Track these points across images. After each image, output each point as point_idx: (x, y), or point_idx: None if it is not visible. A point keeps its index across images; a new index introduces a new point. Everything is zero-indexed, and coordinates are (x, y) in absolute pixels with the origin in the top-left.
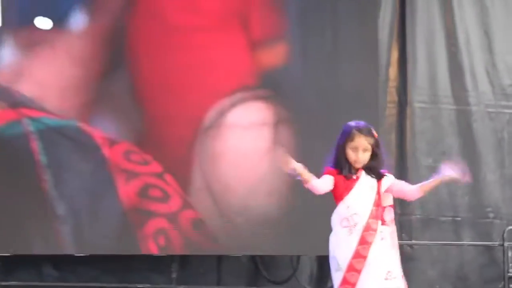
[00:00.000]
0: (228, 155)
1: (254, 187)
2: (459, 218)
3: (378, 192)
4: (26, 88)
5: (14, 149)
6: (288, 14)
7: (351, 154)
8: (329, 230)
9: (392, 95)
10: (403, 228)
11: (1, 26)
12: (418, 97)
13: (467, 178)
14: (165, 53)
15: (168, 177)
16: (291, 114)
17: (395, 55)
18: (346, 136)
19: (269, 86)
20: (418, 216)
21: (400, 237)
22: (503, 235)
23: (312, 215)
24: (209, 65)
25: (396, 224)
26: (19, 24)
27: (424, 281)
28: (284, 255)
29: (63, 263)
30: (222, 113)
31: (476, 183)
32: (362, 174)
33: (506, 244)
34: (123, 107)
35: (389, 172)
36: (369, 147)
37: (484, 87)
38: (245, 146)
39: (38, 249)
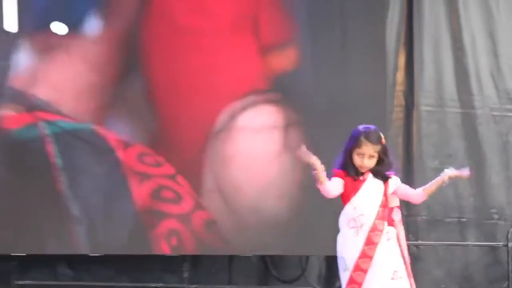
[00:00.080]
0: (239, 157)
1: (264, 189)
2: (464, 219)
3: (385, 194)
4: (42, 92)
5: (30, 151)
6: (298, 19)
7: (357, 159)
8: (337, 230)
9: (399, 98)
10: (410, 228)
11: (17, 31)
12: (424, 101)
13: (467, 174)
14: (177, 56)
15: (180, 179)
16: (301, 117)
17: (402, 59)
18: (354, 142)
19: (280, 90)
20: (424, 217)
21: (406, 238)
22: (507, 236)
23: (320, 216)
24: (221, 69)
25: (403, 224)
26: (35, 29)
27: (430, 281)
28: (293, 255)
29: (78, 263)
30: (233, 116)
31: (481, 185)
32: (369, 176)
33: (510, 244)
34: (137, 110)
35: (395, 175)
36: (375, 154)
37: (489, 91)
38: (256, 149)
39: (53, 249)
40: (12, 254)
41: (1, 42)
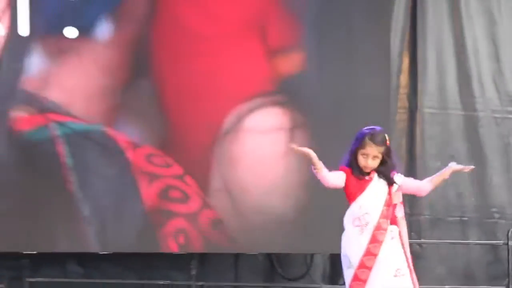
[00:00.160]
0: (246, 158)
1: (270, 189)
2: (466, 218)
3: (389, 193)
4: (54, 94)
5: (41, 152)
6: (304, 23)
7: (361, 160)
8: (341, 229)
9: (403, 101)
10: (413, 227)
11: (29, 35)
12: (427, 103)
13: (470, 169)
14: (186, 60)
15: (188, 179)
16: (306, 119)
17: (406, 63)
18: (359, 143)
19: (286, 92)
20: (427, 216)
21: (409, 236)
22: (507, 235)
23: (325, 215)
24: (228, 72)
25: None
26: (46, 32)
27: (432, 278)
28: (298, 253)
29: (88, 261)
30: (240, 118)
31: (482, 185)
32: (375, 176)
33: (510, 243)
34: (146, 113)
35: (398, 172)
36: (379, 155)
37: (491, 93)
38: (262, 150)
39: (64, 247)
40: (24, 252)
41: (14, 46)
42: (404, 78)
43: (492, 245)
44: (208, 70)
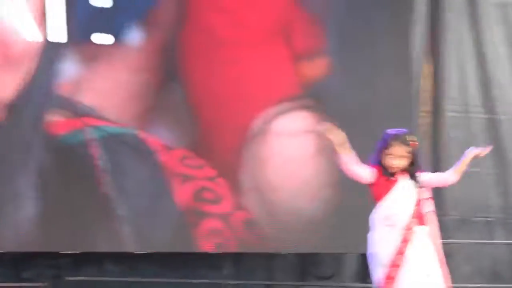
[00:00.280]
0: (275, 160)
1: (300, 189)
2: (491, 219)
3: (417, 192)
4: (88, 99)
5: (77, 155)
6: (328, 29)
7: (387, 160)
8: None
9: (426, 104)
10: (439, 227)
11: (64, 41)
12: (450, 107)
13: (488, 150)
14: (215, 65)
15: (220, 180)
16: (332, 122)
17: (428, 67)
18: (384, 143)
19: (312, 96)
20: (453, 217)
21: None
22: None
23: (354, 216)
24: (256, 77)
25: None
26: (81, 39)
27: (459, 277)
28: (329, 252)
29: (124, 260)
30: (268, 122)
31: (507, 186)
32: (402, 176)
33: None
34: (178, 116)
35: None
36: (405, 154)
37: (511, 97)
38: (291, 152)
39: (102, 247)
40: (64, 252)
41: (50, 52)
42: (426, 82)
43: None
44: (237, 75)
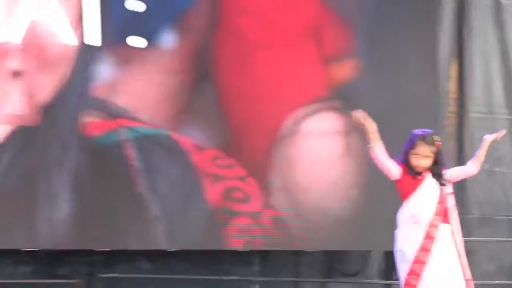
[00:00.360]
0: (304, 160)
1: (328, 189)
2: None
3: (441, 191)
4: (122, 101)
5: (112, 155)
6: (357, 32)
7: (413, 160)
8: (395, 227)
9: (451, 106)
10: (462, 226)
11: (99, 45)
12: (475, 108)
13: (503, 133)
14: (246, 67)
15: (250, 180)
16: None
17: (454, 70)
18: (411, 144)
19: (340, 98)
20: (476, 216)
21: None
22: None
23: (379, 214)
24: (286, 79)
25: None
26: (115, 42)
27: (481, 274)
28: (354, 250)
29: (156, 257)
30: (297, 123)
31: None
32: (428, 175)
33: None
34: (209, 117)
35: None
36: (431, 154)
37: None
38: (319, 152)
39: (135, 245)
40: (97, 250)
41: (85, 55)
42: (452, 84)
43: None
44: (267, 77)
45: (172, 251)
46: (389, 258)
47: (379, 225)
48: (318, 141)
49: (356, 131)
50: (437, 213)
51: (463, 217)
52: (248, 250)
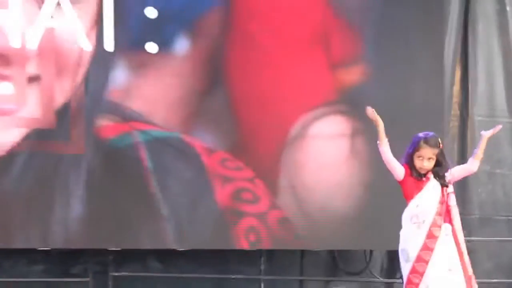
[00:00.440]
0: (311, 162)
1: (333, 190)
2: None
3: (442, 191)
4: (136, 105)
5: (125, 157)
6: (364, 37)
7: (417, 162)
8: (398, 227)
9: (455, 109)
10: (463, 226)
11: (113, 50)
12: (478, 111)
13: (499, 128)
14: (256, 72)
15: (258, 181)
16: (366, 126)
17: (458, 74)
18: (414, 146)
19: (348, 102)
20: (477, 216)
21: None
22: None
23: (383, 215)
24: (295, 83)
25: None
26: (129, 48)
27: (481, 273)
28: (358, 249)
29: (166, 257)
30: (305, 126)
31: None
32: (431, 177)
33: None
34: (220, 120)
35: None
36: (434, 156)
37: None
38: (326, 155)
39: (146, 244)
40: (109, 249)
41: (99, 60)
42: (456, 89)
43: None
44: (276, 81)
45: (182, 250)
46: (392, 257)
47: (382, 224)
48: (325, 144)
49: (362, 134)
50: (439, 213)
51: (464, 218)
52: (255, 249)
